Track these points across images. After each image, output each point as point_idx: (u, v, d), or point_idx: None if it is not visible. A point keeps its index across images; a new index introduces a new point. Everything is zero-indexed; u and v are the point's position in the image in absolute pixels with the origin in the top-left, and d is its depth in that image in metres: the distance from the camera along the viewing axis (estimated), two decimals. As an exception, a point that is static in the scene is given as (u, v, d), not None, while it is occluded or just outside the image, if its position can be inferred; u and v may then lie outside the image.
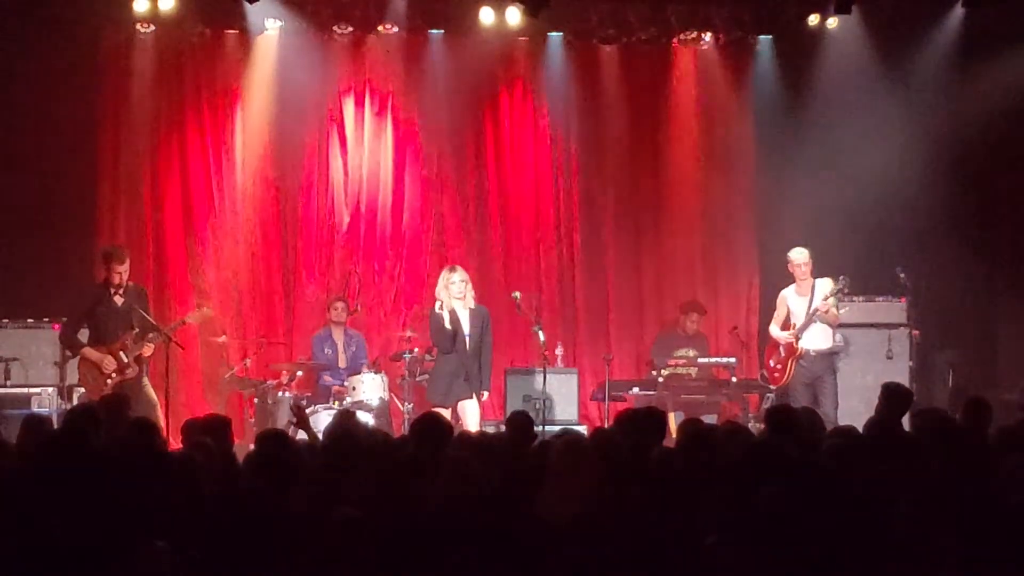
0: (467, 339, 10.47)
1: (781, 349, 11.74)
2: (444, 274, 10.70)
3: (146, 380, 10.77)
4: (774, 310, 12.02)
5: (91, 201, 13.03)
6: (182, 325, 11.51)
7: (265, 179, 13.42)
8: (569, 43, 13.68)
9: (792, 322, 11.73)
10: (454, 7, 13.19)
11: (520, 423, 7.66)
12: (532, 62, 13.82)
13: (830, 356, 11.71)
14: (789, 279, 11.87)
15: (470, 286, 10.62)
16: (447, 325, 10.42)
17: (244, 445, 8.80)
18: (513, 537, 5.30)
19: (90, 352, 10.61)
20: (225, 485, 5.83)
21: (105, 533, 5.18)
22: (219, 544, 5.27)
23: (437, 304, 10.58)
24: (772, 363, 11.90)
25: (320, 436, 7.28)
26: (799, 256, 11.75)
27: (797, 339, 11.60)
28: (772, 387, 11.92)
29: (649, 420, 7.14)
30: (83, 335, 10.78)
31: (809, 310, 11.59)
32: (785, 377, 11.69)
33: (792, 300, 11.80)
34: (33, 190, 12.63)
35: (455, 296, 10.47)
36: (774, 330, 11.86)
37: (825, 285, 11.60)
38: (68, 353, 11.31)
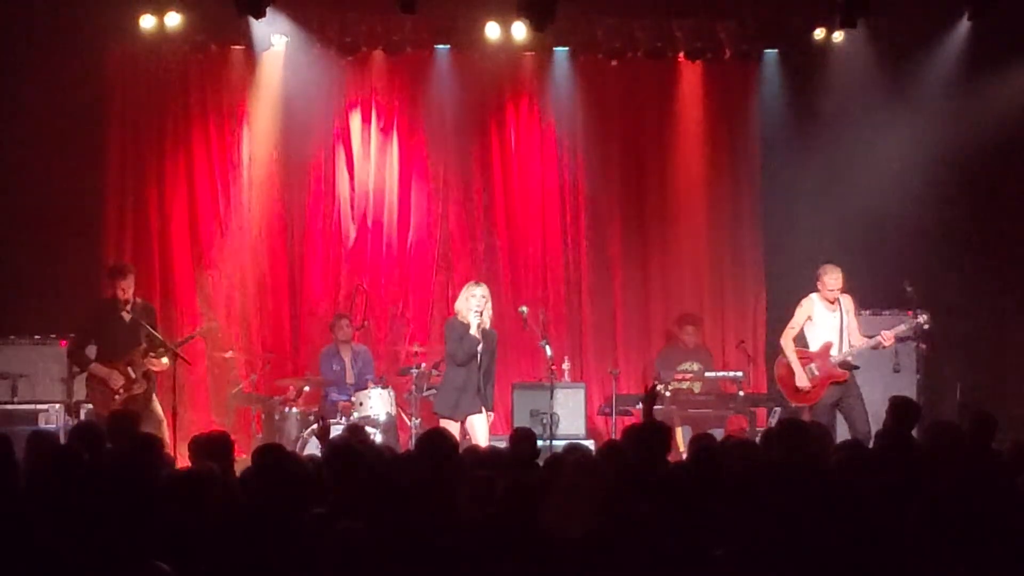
0: (479, 357, 10.45)
1: (815, 368, 11.17)
2: (468, 286, 10.65)
3: (154, 396, 10.78)
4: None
5: (98, 217, 13.06)
6: (191, 340, 11.52)
7: (272, 194, 13.44)
8: (575, 57, 13.69)
9: (818, 334, 11.23)
10: (460, 22, 13.21)
11: (524, 439, 7.66)
12: (538, 77, 13.84)
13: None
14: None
15: (489, 305, 10.57)
16: (471, 332, 10.38)
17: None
18: (522, 553, 5.29)
19: (98, 368, 10.62)
20: (225, 502, 5.81)
21: (108, 551, 5.18)
22: (221, 562, 5.26)
23: (458, 316, 10.55)
24: (799, 382, 11.23)
25: (314, 451, 7.29)
26: (836, 276, 11.23)
27: (840, 366, 11.11)
28: (792, 405, 11.43)
29: (654, 435, 7.15)
30: (91, 351, 10.78)
31: (842, 327, 11.17)
32: (818, 398, 11.13)
33: (820, 311, 11.27)
34: (40, 206, 12.65)
35: (473, 309, 10.43)
36: (791, 347, 11.25)
37: (848, 301, 11.33)
38: (76, 369, 11.31)
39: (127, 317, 10.68)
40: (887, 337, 11.20)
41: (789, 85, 13.83)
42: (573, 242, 13.96)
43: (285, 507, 5.65)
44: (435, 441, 6.89)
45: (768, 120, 13.92)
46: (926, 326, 11.42)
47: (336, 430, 11.05)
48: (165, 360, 10.66)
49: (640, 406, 12.14)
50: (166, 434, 10.19)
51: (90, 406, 11.10)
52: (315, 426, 11.11)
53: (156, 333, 10.73)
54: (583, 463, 6.17)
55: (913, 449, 7.60)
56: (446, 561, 5.28)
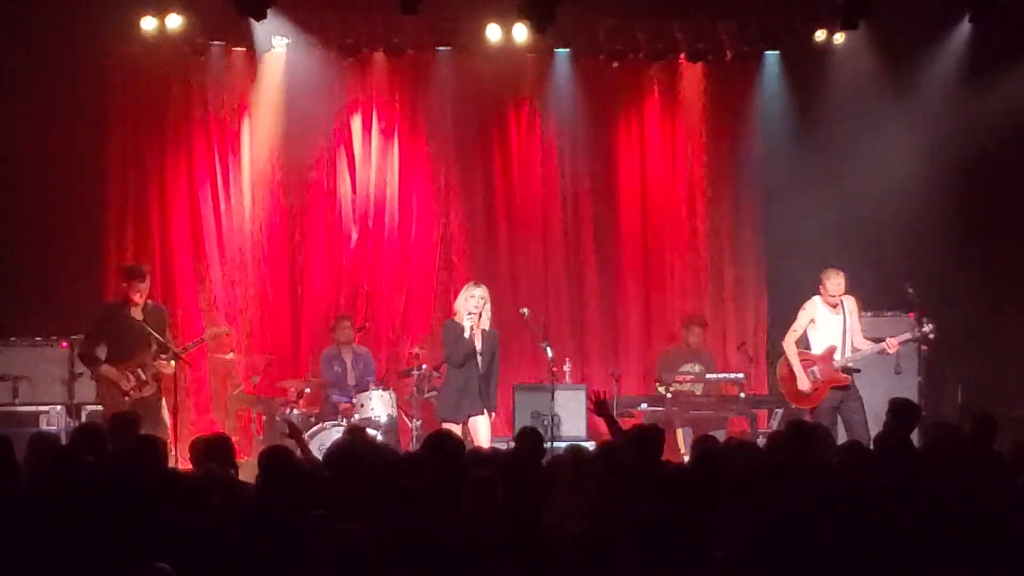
0: (479, 358, 10.44)
1: (817, 371, 11.08)
2: (468, 287, 10.64)
3: (163, 399, 10.74)
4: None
5: (99, 220, 13.04)
6: (200, 344, 11.50)
7: (273, 196, 13.42)
8: (576, 59, 13.68)
9: (821, 337, 11.13)
10: (461, 24, 13.21)
11: (529, 438, 7.67)
12: (539, 78, 13.83)
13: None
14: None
15: (488, 306, 10.55)
16: (465, 335, 10.37)
17: (251, 462, 8.80)
18: (522, 553, 5.29)
19: (108, 370, 10.58)
20: (227, 503, 5.82)
21: (108, 551, 5.18)
22: (221, 562, 5.26)
23: (456, 316, 10.55)
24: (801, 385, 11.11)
25: (313, 452, 7.28)
26: (838, 281, 11.08)
27: (843, 370, 11.00)
28: (793, 407, 11.40)
29: (646, 437, 7.17)
30: (100, 352, 10.74)
31: (845, 329, 11.07)
32: (819, 401, 11.00)
33: (823, 314, 11.15)
34: (41, 209, 12.65)
35: (470, 311, 10.42)
36: (793, 350, 11.14)
37: (851, 302, 11.20)
38: (86, 370, 11.25)
39: (137, 319, 10.64)
40: (892, 345, 11.15)
41: (790, 86, 13.84)
42: (574, 243, 13.95)
43: (285, 508, 5.66)
44: (441, 442, 6.89)
45: (769, 121, 13.92)
46: (931, 336, 11.37)
47: (336, 432, 11.08)
48: (174, 363, 10.64)
49: (644, 407, 12.29)
50: (168, 437, 10.16)
51: (91, 408, 11.08)
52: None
53: (161, 337, 10.65)
54: (583, 464, 6.17)
55: (912, 451, 7.60)
56: (446, 562, 5.27)
